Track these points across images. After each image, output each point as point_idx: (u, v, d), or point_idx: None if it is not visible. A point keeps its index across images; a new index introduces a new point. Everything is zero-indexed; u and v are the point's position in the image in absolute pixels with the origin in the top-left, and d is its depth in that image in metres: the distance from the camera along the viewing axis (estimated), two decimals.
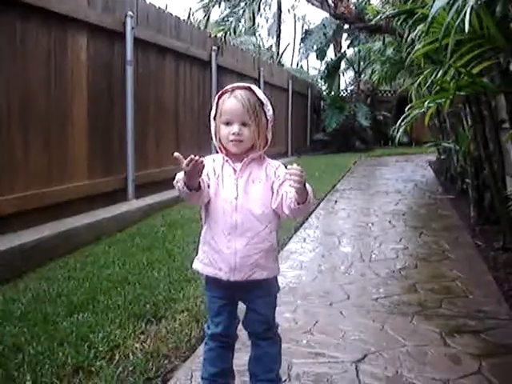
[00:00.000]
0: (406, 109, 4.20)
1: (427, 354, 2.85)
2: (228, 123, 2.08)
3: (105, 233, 5.33)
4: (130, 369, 2.58)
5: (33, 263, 4.31)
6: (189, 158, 1.89)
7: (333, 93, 19.31)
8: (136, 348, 2.81)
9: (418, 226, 6.15)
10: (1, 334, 2.94)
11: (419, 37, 3.86)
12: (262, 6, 27.72)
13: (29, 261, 4.30)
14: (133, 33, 6.36)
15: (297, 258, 4.78)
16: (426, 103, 3.86)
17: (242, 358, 2.42)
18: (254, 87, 2.13)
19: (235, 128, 2.06)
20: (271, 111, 2.14)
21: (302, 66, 25.77)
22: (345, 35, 18.60)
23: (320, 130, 19.28)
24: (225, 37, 8.81)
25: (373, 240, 5.48)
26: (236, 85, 2.13)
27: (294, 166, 1.99)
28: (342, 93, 20.92)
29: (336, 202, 7.96)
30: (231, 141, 2.08)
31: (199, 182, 2.00)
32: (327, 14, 10.18)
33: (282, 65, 21.67)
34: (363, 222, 6.41)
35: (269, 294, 2.23)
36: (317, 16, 30.61)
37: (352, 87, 20.69)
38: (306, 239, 5.52)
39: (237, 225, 2.08)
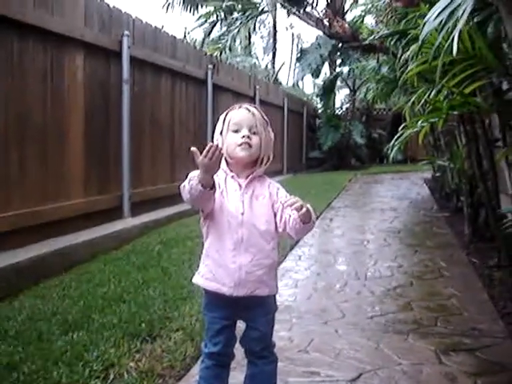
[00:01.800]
0: (400, 128, 4.24)
1: (422, 372, 2.85)
2: (237, 130, 2.11)
3: (100, 251, 5.32)
4: None
5: (28, 281, 4.30)
6: (207, 147, 1.90)
7: (328, 111, 19.39)
8: (131, 367, 2.80)
9: (413, 244, 6.16)
10: None
11: (412, 57, 3.90)
12: (257, 25, 27.88)
13: (24, 279, 4.29)
14: (129, 52, 6.40)
15: (292, 276, 4.78)
16: (420, 123, 3.90)
17: (237, 378, 2.42)
18: (256, 106, 2.22)
19: (245, 131, 2.09)
20: (271, 134, 2.22)
21: (298, 85, 25.88)
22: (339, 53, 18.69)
23: (315, 147, 19.33)
24: (220, 55, 8.87)
25: (368, 258, 5.49)
26: (240, 104, 2.20)
27: (289, 198, 2.03)
28: (337, 111, 21.00)
29: (331, 219, 7.97)
30: (240, 145, 2.09)
31: (213, 181, 2.00)
32: (322, 33, 10.28)
33: (279, 83, 21.77)
34: (358, 240, 6.42)
35: (269, 312, 2.24)
36: (312, 34, 30.79)
37: (347, 105, 20.77)
38: (301, 257, 5.53)
39: (242, 240, 2.09)
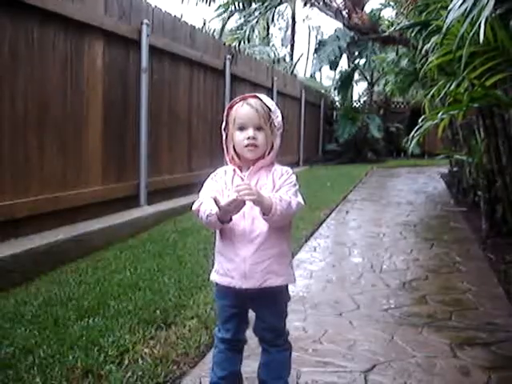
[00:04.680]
0: (420, 120, 4.20)
1: (436, 365, 2.84)
2: (242, 128, 2.11)
3: (117, 238, 5.36)
4: (139, 373, 2.59)
5: (45, 267, 4.34)
6: (231, 200, 1.96)
7: (346, 103, 19.31)
8: (145, 353, 2.82)
9: (429, 238, 6.13)
10: (12, 337, 2.96)
11: (433, 48, 3.87)
12: (275, 16, 27.81)
13: (41, 264, 4.33)
14: (148, 40, 6.41)
15: (307, 267, 4.78)
16: (440, 115, 3.86)
17: (251, 365, 2.43)
18: (261, 95, 2.18)
19: (250, 132, 2.10)
20: (280, 118, 2.17)
21: (315, 77, 25.78)
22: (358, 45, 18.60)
23: (332, 140, 19.29)
24: (239, 45, 8.85)
25: (384, 251, 5.47)
26: (244, 96, 2.17)
27: (240, 184, 2.02)
28: (354, 103, 20.91)
29: (347, 212, 7.95)
30: (246, 146, 2.11)
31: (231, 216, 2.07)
32: (341, 25, 10.22)
33: (296, 75, 21.69)
34: (374, 233, 6.40)
35: (278, 304, 2.25)
36: (331, 26, 30.67)
37: (365, 98, 20.68)
38: (316, 249, 5.52)
39: (245, 232, 2.11)
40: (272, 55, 19.57)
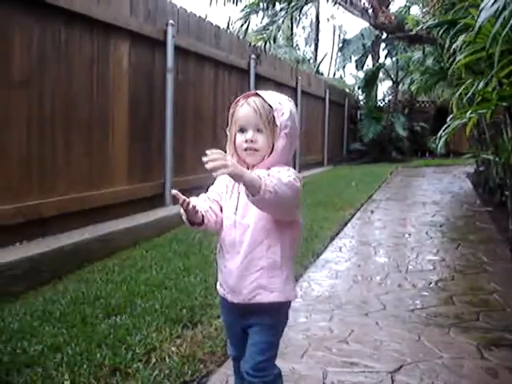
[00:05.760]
0: (448, 119, 4.17)
1: (463, 366, 2.82)
2: (242, 130, 1.92)
3: (142, 238, 5.39)
4: (166, 372, 2.61)
5: (72, 266, 4.38)
6: (181, 199, 1.81)
7: (370, 103, 19.22)
8: (172, 351, 2.83)
9: (455, 238, 6.08)
10: (40, 334, 2.99)
11: (460, 47, 3.83)
12: (300, 16, 27.79)
13: (68, 263, 4.38)
14: (173, 41, 6.45)
15: (332, 267, 4.77)
16: (468, 114, 3.83)
17: None
18: (264, 92, 1.95)
19: (249, 134, 1.90)
20: (286, 116, 1.90)
21: (340, 75, 25.73)
22: (383, 45, 18.54)
23: (356, 139, 19.21)
24: (265, 45, 8.85)
25: (409, 251, 5.44)
26: (247, 93, 1.98)
27: (214, 151, 1.72)
28: (379, 103, 20.80)
29: (372, 212, 7.91)
30: (245, 150, 1.91)
31: (202, 217, 1.90)
32: (366, 25, 10.18)
33: (321, 74, 21.66)
34: (400, 233, 6.36)
35: (266, 325, 1.95)
36: (354, 26, 30.60)
37: (390, 97, 20.56)
38: (341, 248, 5.51)
39: (234, 242, 1.93)
40: (296, 55, 19.56)
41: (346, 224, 6.71)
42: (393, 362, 2.84)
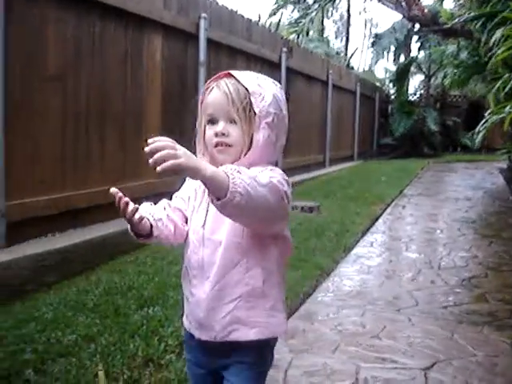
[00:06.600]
0: (486, 114, 4.11)
1: (497, 364, 2.80)
2: (212, 121, 1.50)
3: None
4: None
5: (104, 257, 4.42)
6: (117, 198, 1.45)
7: (401, 97, 19.03)
8: None
9: (488, 235, 6.00)
10: (74, 324, 3.02)
11: (499, 41, 3.76)
12: (331, 9, 27.69)
13: (100, 254, 4.41)
14: (206, 34, 6.45)
15: (364, 262, 4.75)
16: (507, 108, 3.77)
17: None
18: (239, 72, 1.52)
19: (219, 126, 1.47)
20: (267, 102, 1.47)
21: (371, 70, 25.54)
22: (415, 38, 18.34)
23: (387, 134, 19.04)
24: (298, 38, 8.83)
25: (441, 247, 5.39)
26: (219, 74, 1.53)
27: (160, 138, 1.29)
28: (410, 97, 20.59)
29: (404, 207, 7.85)
30: (216, 145, 1.49)
31: (151, 227, 1.52)
32: (399, 18, 10.09)
33: (352, 67, 21.52)
34: (431, 229, 6.30)
35: (244, 370, 1.51)
36: (385, 19, 30.34)
37: (421, 91, 20.33)
38: (373, 244, 5.48)
39: (203, 263, 1.50)
40: (327, 48, 19.46)
41: (377, 219, 6.67)
42: (426, 358, 2.82)
